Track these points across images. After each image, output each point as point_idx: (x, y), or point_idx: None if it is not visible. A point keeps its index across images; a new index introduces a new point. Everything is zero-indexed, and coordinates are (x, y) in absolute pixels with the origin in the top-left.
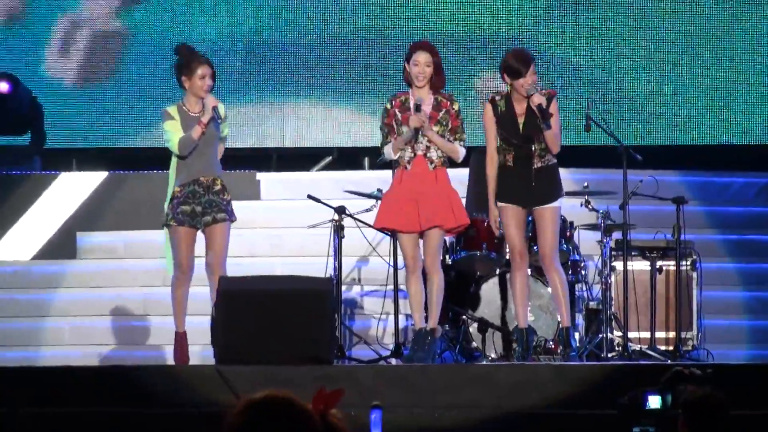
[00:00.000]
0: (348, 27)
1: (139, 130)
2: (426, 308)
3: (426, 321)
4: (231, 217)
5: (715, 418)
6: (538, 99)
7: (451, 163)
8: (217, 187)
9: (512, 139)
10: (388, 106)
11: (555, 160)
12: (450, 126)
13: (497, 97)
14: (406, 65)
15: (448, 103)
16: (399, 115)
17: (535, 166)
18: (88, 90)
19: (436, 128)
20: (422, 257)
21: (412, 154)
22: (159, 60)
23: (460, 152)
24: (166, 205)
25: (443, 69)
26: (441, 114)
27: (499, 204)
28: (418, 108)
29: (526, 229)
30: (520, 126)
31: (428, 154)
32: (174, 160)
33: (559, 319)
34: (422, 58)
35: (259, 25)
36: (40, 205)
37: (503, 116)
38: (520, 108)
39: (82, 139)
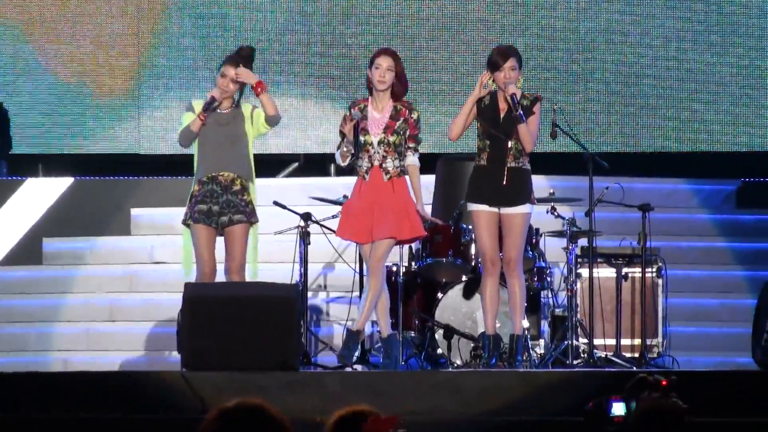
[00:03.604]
0: (314, 33)
1: (106, 136)
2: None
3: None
4: (250, 219)
5: (666, 426)
6: (511, 90)
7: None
8: (236, 187)
9: (491, 129)
10: (347, 113)
11: (529, 167)
12: (408, 134)
13: (484, 92)
14: (368, 71)
15: (407, 111)
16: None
17: (509, 165)
18: (55, 95)
19: (392, 138)
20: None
21: (370, 164)
22: (126, 65)
23: (414, 161)
24: (186, 204)
25: (406, 78)
26: (398, 123)
27: (471, 207)
28: (357, 123)
29: (497, 236)
30: (501, 119)
31: (384, 165)
32: (194, 158)
33: (524, 326)
34: (384, 62)
35: (228, 32)
36: (6, 210)
37: (486, 108)
38: (502, 103)
39: (48, 144)
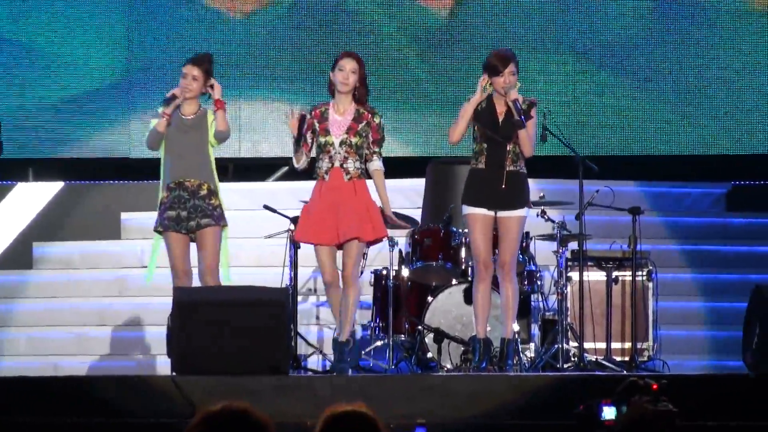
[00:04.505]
0: (302, 38)
1: (96, 141)
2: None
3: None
4: (218, 222)
5: (657, 430)
6: (514, 95)
7: (405, 173)
8: (203, 192)
9: (490, 133)
10: (308, 116)
11: (525, 170)
12: (371, 139)
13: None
14: (331, 74)
15: (370, 115)
16: (317, 125)
17: (507, 169)
18: (46, 100)
19: (354, 139)
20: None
21: (330, 165)
22: (116, 69)
23: (378, 166)
24: (157, 210)
25: (367, 83)
26: (361, 126)
27: (467, 210)
28: (303, 118)
29: (492, 239)
30: (500, 123)
31: (345, 165)
32: (161, 164)
33: (515, 330)
34: (348, 65)
35: (218, 36)
36: None
37: (483, 112)
38: (500, 107)
39: (38, 149)
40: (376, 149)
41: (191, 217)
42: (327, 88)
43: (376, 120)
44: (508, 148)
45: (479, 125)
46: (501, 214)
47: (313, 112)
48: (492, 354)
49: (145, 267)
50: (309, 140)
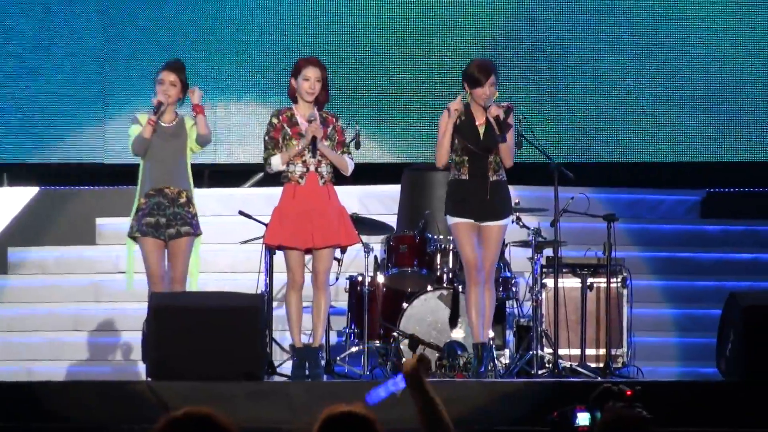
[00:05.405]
0: (282, 44)
1: (71, 146)
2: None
3: (312, 338)
4: (196, 231)
5: None
6: (495, 111)
7: (381, 179)
8: (182, 200)
9: (471, 146)
10: (275, 120)
11: (505, 178)
12: (336, 141)
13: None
14: (292, 81)
15: (334, 119)
16: (288, 129)
17: (491, 179)
18: (19, 104)
19: (326, 143)
20: (310, 273)
21: (305, 170)
22: (91, 74)
23: (350, 165)
24: (131, 216)
25: (328, 86)
26: (329, 130)
27: (453, 220)
28: (310, 122)
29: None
30: (481, 135)
31: (319, 169)
32: (139, 170)
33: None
34: (313, 74)
35: (192, 41)
36: None
37: (463, 125)
38: (479, 118)
39: (13, 154)
40: (344, 150)
41: (170, 224)
42: (287, 93)
43: (340, 123)
44: (489, 159)
45: (460, 138)
46: (485, 222)
47: (280, 116)
48: (466, 360)
49: (121, 272)
50: (280, 144)
